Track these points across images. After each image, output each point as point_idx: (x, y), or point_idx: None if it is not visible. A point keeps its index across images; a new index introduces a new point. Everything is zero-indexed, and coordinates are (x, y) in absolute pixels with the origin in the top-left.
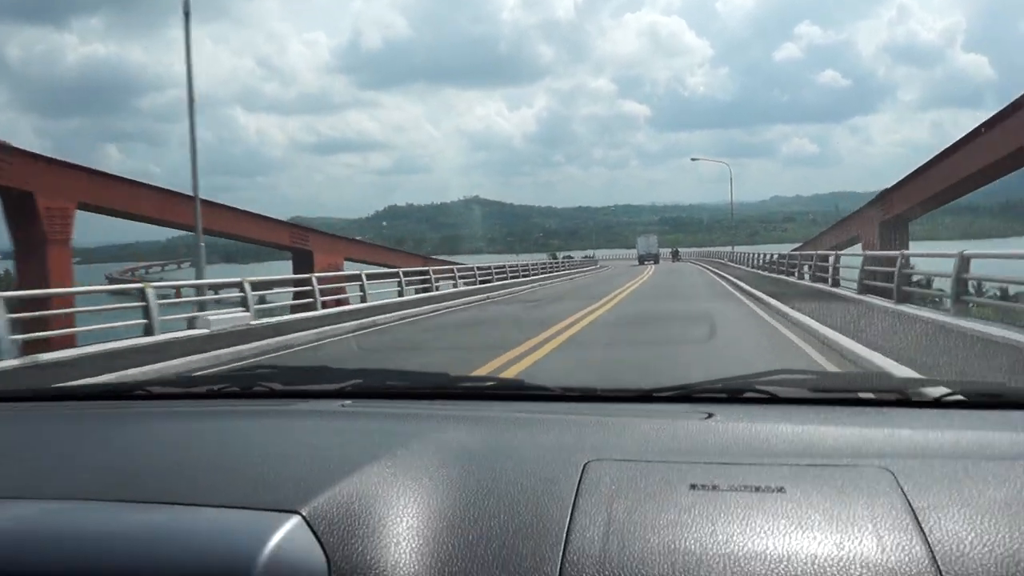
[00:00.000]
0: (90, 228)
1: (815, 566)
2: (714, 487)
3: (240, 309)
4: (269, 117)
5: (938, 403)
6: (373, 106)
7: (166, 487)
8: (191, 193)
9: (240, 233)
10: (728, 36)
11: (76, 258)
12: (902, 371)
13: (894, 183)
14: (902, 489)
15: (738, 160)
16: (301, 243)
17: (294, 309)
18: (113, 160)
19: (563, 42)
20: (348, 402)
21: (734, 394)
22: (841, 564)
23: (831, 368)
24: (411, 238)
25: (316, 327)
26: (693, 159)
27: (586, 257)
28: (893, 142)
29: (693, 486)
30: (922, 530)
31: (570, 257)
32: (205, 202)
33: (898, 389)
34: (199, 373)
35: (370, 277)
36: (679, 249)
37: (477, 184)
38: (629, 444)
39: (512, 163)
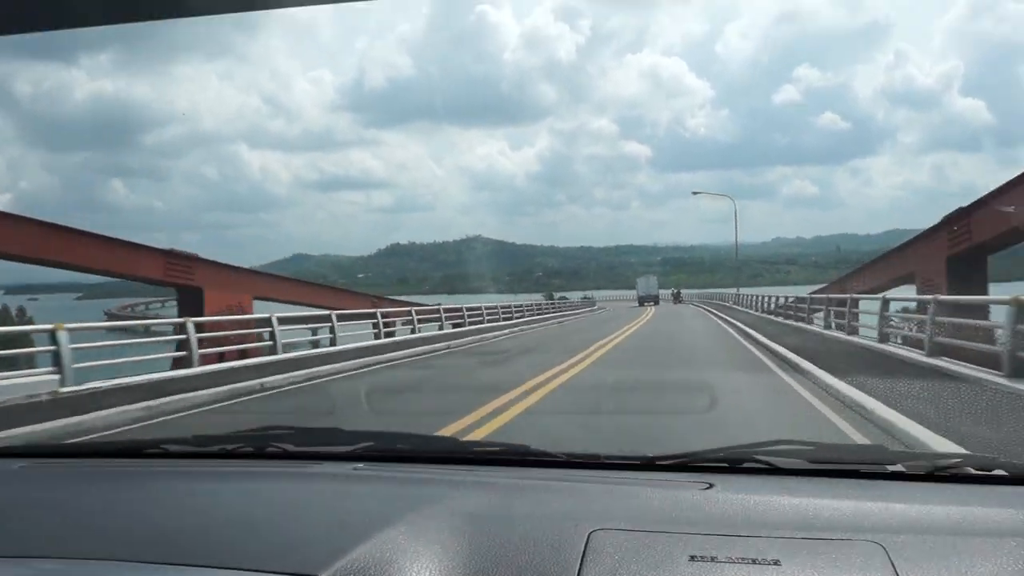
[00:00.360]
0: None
1: None
2: (712, 559)
3: (48, 369)
4: (274, 154)
5: (932, 476)
6: (376, 144)
7: (185, 548)
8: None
9: (105, 268)
10: (728, 78)
11: (79, 294)
12: None
13: (972, 202)
14: (892, 564)
15: (739, 201)
16: (185, 278)
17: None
18: (119, 195)
19: (565, 82)
20: (361, 465)
21: (734, 463)
22: None
23: None
24: (413, 276)
25: (168, 393)
26: (695, 193)
27: (584, 298)
28: (894, 184)
29: (692, 557)
30: None
31: (565, 298)
32: (55, 227)
33: (891, 461)
34: (214, 435)
35: (291, 321)
36: (680, 290)
37: (480, 223)
38: (632, 513)
39: (515, 202)
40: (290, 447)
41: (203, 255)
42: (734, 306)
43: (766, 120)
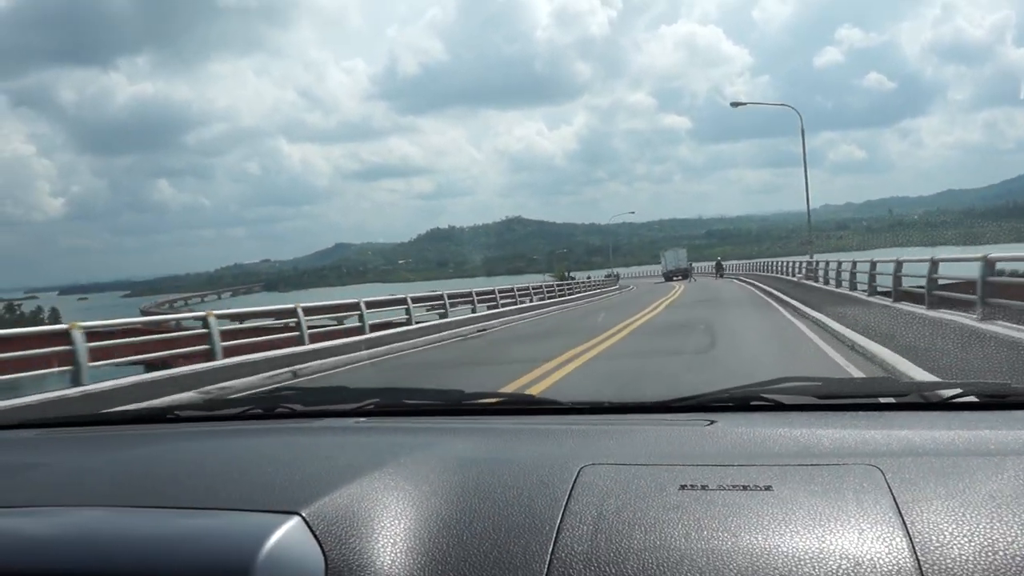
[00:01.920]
0: (147, 262)
1: (795, 560)
2: (703, 487)
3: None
4: (312, 146)
5: (943, 405)
6: (413, 131)
7: (174, 493)
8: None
9: None
10: (767, 43)
11: (126, 291)
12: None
13: None
14: (889, 485)
15: (785, 170)
16: None
17: None
18: (166, 194)
19: (599, 58)
20: (363, 419)
21: (741, 403)
22: (821, 557)
23: None
24: (453, 260)
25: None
26: (735, 104)
27: (608, 276)
28: (945, 144)
29: (683, 486)
30: (904, 523)
31: (572, 278)
32: None
33: (903, 392)
34: (226, 398)
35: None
36: (721, 261)
37: (520, 204)
38: (627, 450)
39: (554, 182)
40: (298, 407)
41: (251, 248)
42: (811, 284)
43: (808, 85)
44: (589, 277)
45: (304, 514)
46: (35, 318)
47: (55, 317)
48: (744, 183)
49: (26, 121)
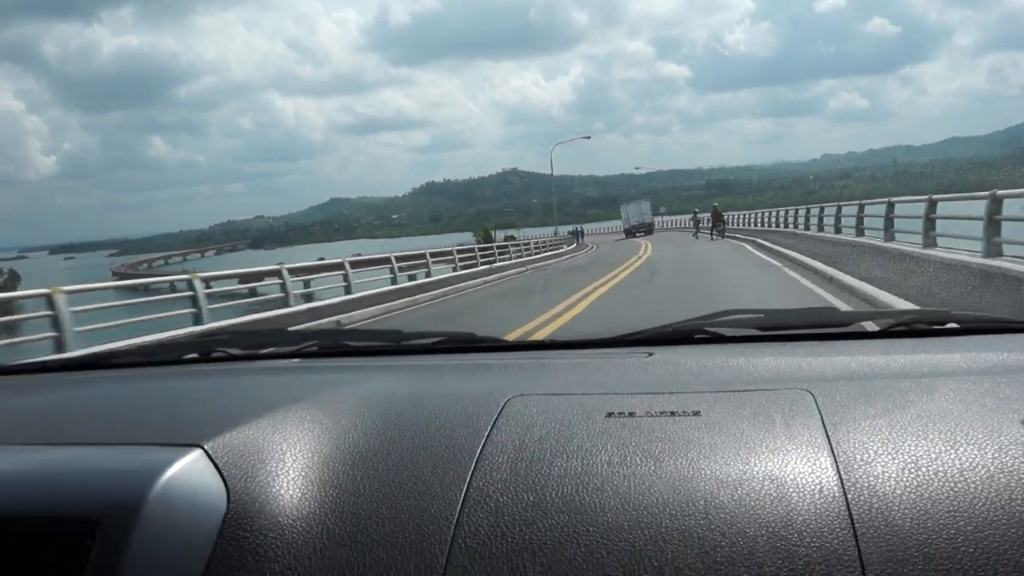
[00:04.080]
0: (142, 220)
1: (719, 484)
2: (630, 414)
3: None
4: (306, 100)
5: (884, 333)
6: (408, 83)
7: (70, 432)
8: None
9: None
10: None
11: (113, 250)
12: None
13: None
14: (819, 408)
15: (785, 119)
16: None
17: None
18: (160, 151)
19: (596, 5)
20: (299, 360)
21: (683, 336)
22: (744, 480)
23: None
24: (446, 214)
25: None
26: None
27: (571, 232)
28: (949, 91)
29: (610, 414)
30: (831, 444)
31: (512, 238)
32: None
33: (843, 322)
34: (162, 343)
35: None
36: (720, 209)
37: (518, 157)
38: (559, 381)
39: (552, 134)
40: (235, 350)
41: (248, 203)
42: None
43: (810, 31)
44: (513, 239)
45: (206, 447)
46: None
47: (12, 281)
48: (744, 133)
49: (12, 77)
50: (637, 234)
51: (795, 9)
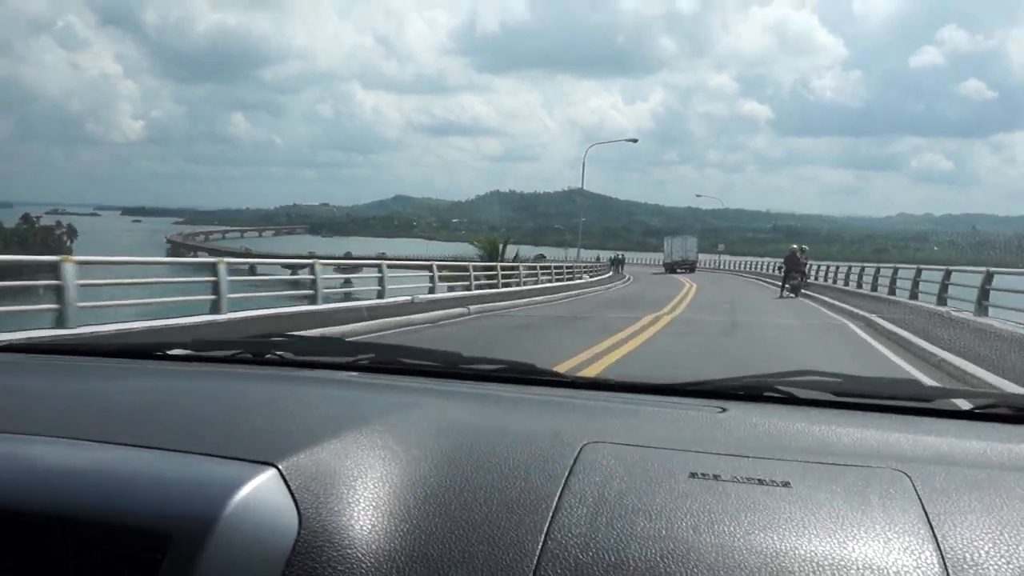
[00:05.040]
0: (215, 192)
1: (814, 564)
2: (715, 476)
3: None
4: (386, 95)
5: (973, 415)
6: (487, 90)
7: (143, 432)
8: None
9: None
10: (863, 37)
11: (180, 218)
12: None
13: None
14: (918, 493)
15: (863, 173)
16: None
17: None
18: (240, 128)
19: (684, 35)
20: (355, 374)
21: (753, 392)
22: (842, 563)
23: None
24: (506, 224)
25: None
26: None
27: (612, 260)
28: None
29: (693, 474)
30: (935, 536)
31: (542, 257)
32: None
33: (927, 397)
34: (215, 340)
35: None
36: (806, 252)
37: (587, 178)
38: (632, 431)
39: (624, 159)
40: (289, 355)
41: (316, 190)
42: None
43: (901, 86)
44: (565, 258)
45: (281, 466)
46: (50, 236)
47: (70, 235)
48: (819, 181)
49: (114, 40)
50: (678, 270)
51: (889, 62)
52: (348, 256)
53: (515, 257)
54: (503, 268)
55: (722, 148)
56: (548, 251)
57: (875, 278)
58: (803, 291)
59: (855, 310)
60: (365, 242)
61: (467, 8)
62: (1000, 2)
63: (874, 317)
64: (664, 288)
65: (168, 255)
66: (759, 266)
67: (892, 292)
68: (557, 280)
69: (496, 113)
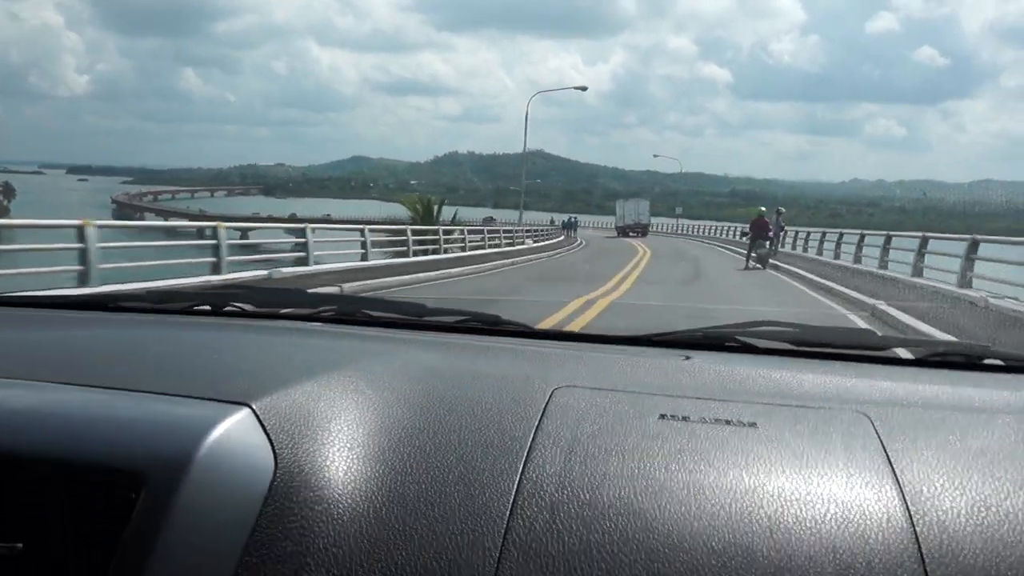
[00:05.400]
0: (167, 151)
1: (782, 499)
2: (684, 418)
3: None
4: (343, 52)
5: (925, 362)
6: (446, 49)
7: (110, 374)
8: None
9: None
10: (822, 0)
11: (129, 177)
12: None
13: None
14: (877, 432)
15: (819, 138)
16: None
17: None
18: (192, 84)
19: None
20: (319, 324)
21: (715, 341)
22: (808, 499)
23: None
24: (466, 187)
25: None
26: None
27: (566, 223)
28: (989, 132)
29: (663, 416)
30: (894, 471)
31: (495, 221)
32: None
33: (882, 346)
34: (173, 290)
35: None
36: (765, 218)
37: (547, 139)
38: (602, 375)
39: (584, 120)
40: (249, 307)
41: (272, 150)
42: None
43: (857, 51)
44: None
45: (255, 406)
46: None
47: (7, 194)
48: (776, 146)
49: None
50: (631, 234)
51: (846, 27)
52: (292, 218)
53: (453, 219)
54: (415, 233)
55: (682, 111)
56: (506, 213)
57: (859, 247)
58: (772, 261)
59: (847, 291)
60: (319, 203)
61: None
62: None
63: (883, 305)
64: (613, 256)
65: (113, 216)
66: (718, 231)
67: (884, 266)
68: (493, 246)
69: (455, 72)
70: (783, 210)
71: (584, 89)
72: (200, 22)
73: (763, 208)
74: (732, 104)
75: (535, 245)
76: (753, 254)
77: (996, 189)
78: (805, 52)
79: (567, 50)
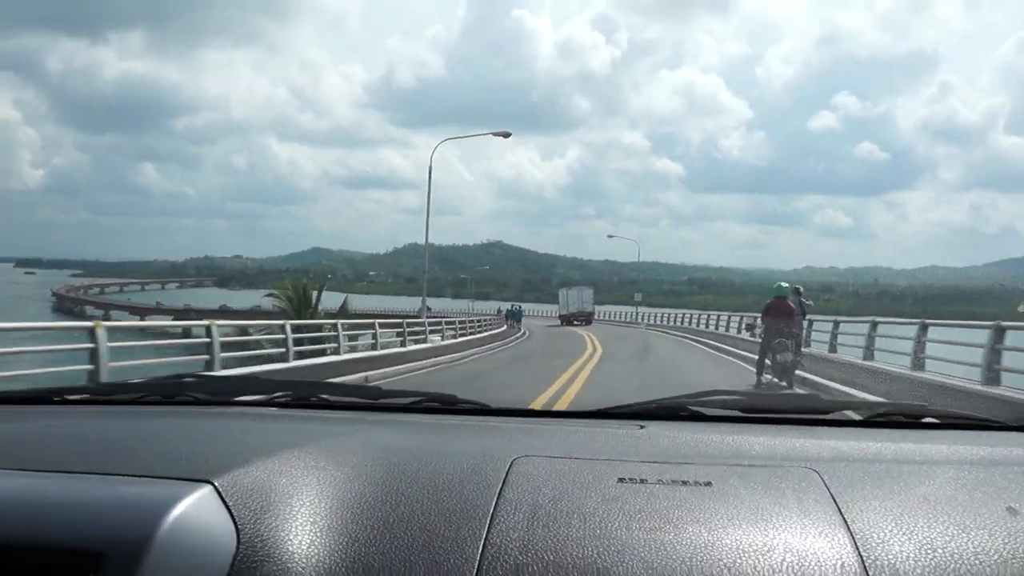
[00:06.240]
0: (122, 244)
1: (739, 552)
2: (642, 480)
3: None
4: (302, 147)
5: (867, 423)
6: (405, 145)
7: (68, 460)
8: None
9: None
10: (766, 101)
11: (79, 271)
12: None
13: None
14: (827, 486)
15: (769, 228)
16: None
17: None
18: (150, 178)
19: (598, 94)
20: (274, 409)
21: (668, 412)
22: (765, 550)
23: None
24: (423, 278)
25: None
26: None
27: (509, 311)
28: (930, 221)
29: (621, 479)
30: (845, 521)
31: (429, 310)
32: None
33: (827, 409)
34: (119, 383)
35: None
36: (800, 292)
37: (505, 230)
38: (560, 445)
39: (541, 213)
40: (202, 396)
41: (230, 242)
42: None
43: (802, 147)
44: (429, 310)
45: (216, 483)
46: None
47: None
48: (730, 236)
49: (12, 87)
50: (575, 322)
51: (790, 125)
52: (187, 309)
53: (342, 307)
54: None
55: (637, 203)
56: (462, 304)
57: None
58: (798, 372)
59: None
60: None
61: (384, 63)
62: (887, 71)
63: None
64: (549, 360)
65: (53, 310)
66: (684, 319)
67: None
68: (412, 341)
69: (414, 166)
70: (802, 289)
71: (507, 135)
72: (160, 119)
73: (784, 285)
74: (685, 196)
75: (443, 344)
76: (769, 360)
77: (940, 275)
78: (752, 148)
79: (524, 146)
